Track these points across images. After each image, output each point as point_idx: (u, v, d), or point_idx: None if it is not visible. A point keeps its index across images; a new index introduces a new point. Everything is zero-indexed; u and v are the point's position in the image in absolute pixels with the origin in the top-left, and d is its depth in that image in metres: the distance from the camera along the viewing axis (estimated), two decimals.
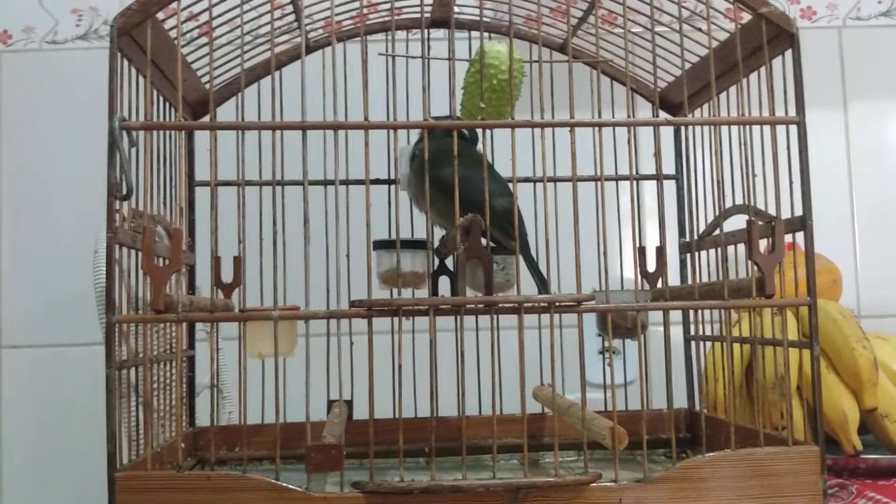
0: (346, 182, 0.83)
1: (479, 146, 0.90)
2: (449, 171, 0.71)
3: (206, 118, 0.90)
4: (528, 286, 0.87)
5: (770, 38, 0.73)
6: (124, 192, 0.65)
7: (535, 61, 0.72)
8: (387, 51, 0.79)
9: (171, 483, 0.64)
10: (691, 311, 0.94)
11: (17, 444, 1.25)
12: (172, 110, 0.83)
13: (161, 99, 0.81)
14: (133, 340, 0.72)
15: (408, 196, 0.94)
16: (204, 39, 0.80)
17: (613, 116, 0.80)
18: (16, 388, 1.26)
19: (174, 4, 0.67)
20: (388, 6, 0.90)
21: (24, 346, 1.27)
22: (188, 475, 0.65)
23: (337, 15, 0.75)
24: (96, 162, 1.11)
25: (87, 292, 1.11)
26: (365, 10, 0.76)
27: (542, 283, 0.86)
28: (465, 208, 0.73)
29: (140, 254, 0.70)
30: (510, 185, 0.83)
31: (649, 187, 0.92)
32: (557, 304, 0.69)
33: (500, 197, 0.85)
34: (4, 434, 1.25)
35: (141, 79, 0.72)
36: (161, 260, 0.69)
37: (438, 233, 0.90)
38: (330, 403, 0.89)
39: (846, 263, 1.28)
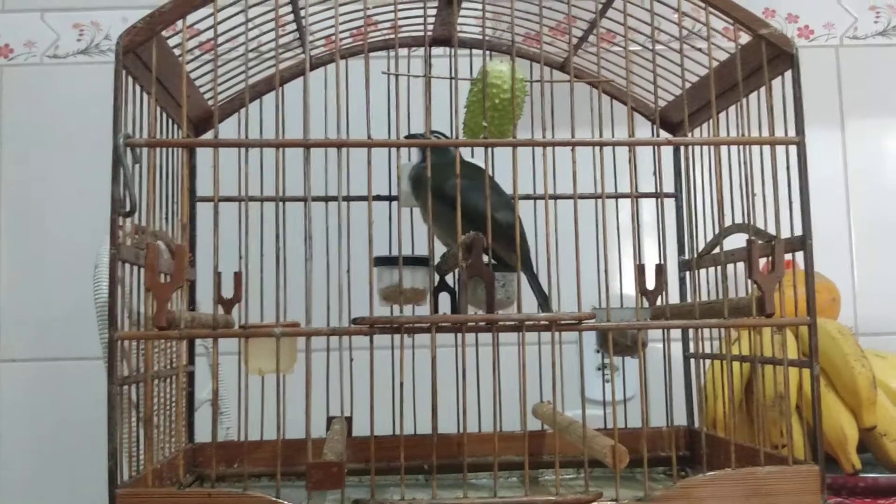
0: (349, 198, 0.83)
1: (473, 159, 0.91)
2: (451, 183, 0.71)
3: (208, 134, 0.90)
4: (528, 303, 0.87)
5: (770, 58, 0.74)
6: (128, 208, 0.65)
7: (537, 81, 0.73)
8: (388, 68, 0.80)
9: (171, 500, 0.63)
10: (691, 329, 0.94)
11: (13, 459, 1.25)
12: (175, 126, 0.83)
13: (164, 115, 0.81)
14: (133, 356, 0.72)
15: (410, 212, 0.94)
16: (206, 56, 0.81)
17: (613, 134, 0.80)
18: (13, 403, 1.26)
19: (179, 23, 0.68)
20: (389, 24, 0.91)
21: (22, 360, 1.26)
22: (189, 492, 0.65)
23: (339, 32, 0.76)
24: (96, 176, 1.11)
25: (85, 307, 1.10)
26: (368, 28, 0.76)
27: (544, 300, 0.87)
28: (467, 220, 0.73)
29: (142, 270, 0.70)
30: (511, 202, 0.84)
31: (649, 205, 0.92)
32: (558, 322, 0.69)
33: (502, 210, 0.85)
34: (1, 448, 1.25)
35: (144, 95, 0.72)
36: (163, 276, 0.69)
37: (439, 249, 0.90)
38: (329, 420, 0.89)
39: (844, 281, 1.29)
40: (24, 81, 1.31)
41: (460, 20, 0.88)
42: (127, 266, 0.69)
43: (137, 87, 0.71)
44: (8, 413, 1.25)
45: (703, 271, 0.87)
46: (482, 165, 0.88)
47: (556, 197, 0.89)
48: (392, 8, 0.78)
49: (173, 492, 0.65)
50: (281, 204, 0.77)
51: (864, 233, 1.34)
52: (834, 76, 1.37)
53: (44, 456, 1.25)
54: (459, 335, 0.69)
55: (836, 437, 0.93)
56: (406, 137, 0.85)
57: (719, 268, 0.83)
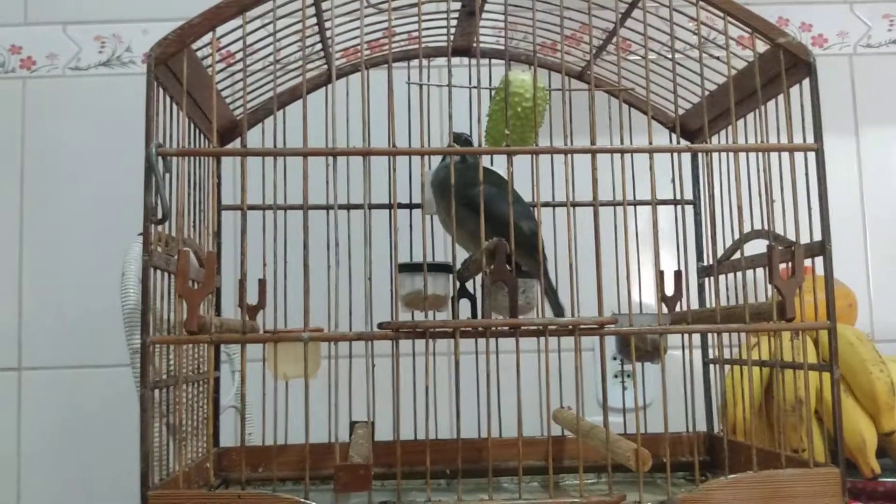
0: (372, 206, 0.84)
1: (493, 167, 0.92)
2: (477, 190, 0.72)
3: (233, 143, 0.92)
4: (549, 311, 0.88)
5: (787, 66, 0.75)
6: (160, 216, 0.66)
7: (558, 89, 0.74)
8: (409, 78, 0.81)
9: (202, 501, 0.64)
10: (710, 335, 0.95)
11: (36, 465, 1.26)
12: (201, 136, 0.85)
13: (190, 125, 0.83)
14: (158, 361, 0.73)
15: (431, 219, 0.95)
16: (232, 68, 0.82)
17: (632, 141, 0.81)
18: (35, 410, 1.27)
19: (208, 35, 0.69)
20: (408, 35, 0.92)
21: (45, 368, 1.28)
22: (219, 494, 0.66)
23: (359, 43, 0.77)
24: (118, 186, 1.13)
25: (106, 314, 1.12)
26: (387, 38, 0.78)
27: (559, 310, 0.87)
28: (494, 227, 0.74)
29: (170, 276, 0.71)
30: (533, 209, 0.85)
31: (667, 212, 0.93)
32: (581, 326, 0.70)
33: (526, 220, 0.86)
34: (24, 455, 1.26)
35: (173, 105, 0.74)
36: (192, 283, 0.70)
37: (459, 256, 0.91)
38: (352, 425, 0.90)
39: (859, 287, 1.29)
40: (47, 93, 1.33)
41: (480, 31, 0.89)
42: (156, 273, 0.70)
43: (167, 98, 0.73)
44: (30, 420, 1.27)
45: (721, 278, 0.88)
46: (503, 173, 0.89)
47: (576, 204, 0.90)
48: (414, 19, 0.79)
49: (204, 493, 0.67)
50: (306, 212, 0.79)
51: (879, 239, 1.34)
52: (848, 84, 1.37)
53: (66, 463, 1.26)
54: (482, 341, 0.70)
55: (854, 441, 0.94)
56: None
57: (738, 274, 0.84)
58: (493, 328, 0.70)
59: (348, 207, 0.88)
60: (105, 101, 1.32)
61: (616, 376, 1.22)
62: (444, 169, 0.89)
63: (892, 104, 1.37)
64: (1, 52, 1.33)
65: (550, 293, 0.86)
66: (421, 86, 0.72)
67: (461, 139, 0.88)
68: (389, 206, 0.72)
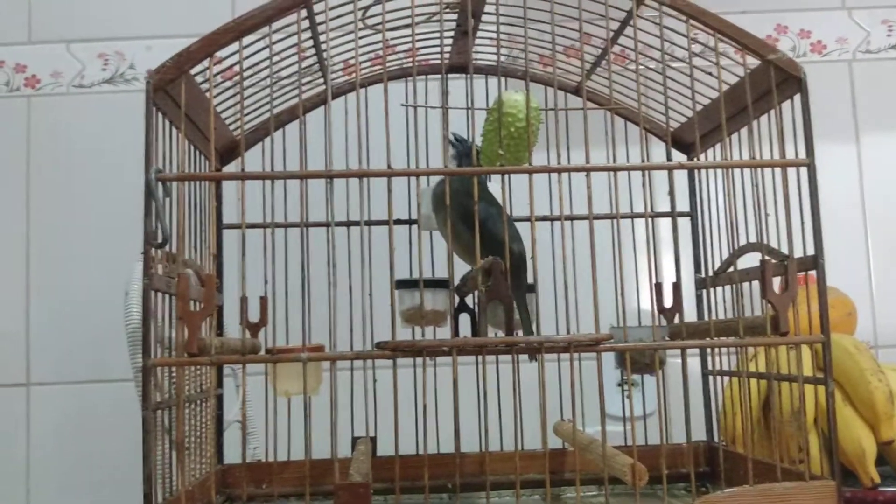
0: (370, 223, 0.85)
1: (491, 182, 0.93)
2: (477, 207, 0.73)
3: (234, 165, 0.93)
4: (547, 325, 0.89)
5: (778, 82, 0.75)
6: (160, 240, 0.67)
7: (552, 109, 0.75)
8: (406, 98, 0.82)
9: None
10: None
11: (45, 481, 1.27)
12: (201, 157, 0.86)
13: (190, 147, 0.84)
14: (161, 378, 0.74)
15: (430, 235, 0.96)
16: (232, 90, 0.83)
17: (628, 154, 0.82)
18: (44, 426, 1.28)
19: (206, 60, 0.70)
20: (406, 51, 0.93)
21: (53, 384, 1.29)
22: None
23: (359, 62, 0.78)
24: (123, 203, 1.14)
25: (112, 330, 1.13)
26: (383, 55, 0.78)
27: (528, 330, 0.88)
28: (487, 245, 0.75)
29: (172, 297, 0.72)
30: (528, 227, 0.86)
31: (664, 224, 0.93)
32: (577, 343, 0.71)
33: (517, 243, 0.88)
34: (33, 470, 1.27)
35: (173, 130, 0.75)
36: (193, 303, 0.71)
37: (458, 271, 0.92)
38: (354, 440, 0.91)
39: (862, 294, 1.29)
40: (51, 111, 1.34)
41: (476, 45, 0.90)
42: (158, 294, 0.71)
43: (166, 122, 0.74)
44: (38, 436, 1.28)
45: (718, 289, 0.89)
46: (498, 191, 0.90)
47: (571, 218, 0.91)
48: (409, 37, 0.80)
49: None
50: (305, 230, 0.80)
51: (881, 245, 1.34)
52: (847, 91, 1.38)
53: (74, 477, 1.27)
54: (482, 360, 0.71)
55: (854, 451, 0.94)
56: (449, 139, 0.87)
57: (734, 287, 0.84)
58: (490, 346, 0.71)
59: (347, 224, 0.89)
60: (109, 118, 1.33)
61: (618, 385, 1.22)
62: (444, 182, 0.90)
63: (893, 110, 1.37)
64: (6, 70, 1.35)
65: (525, 319, 0.87)
66: (416, 108, 0.73)
67: (457, 138, 0.89)
68: (387, 223, 0.73)
